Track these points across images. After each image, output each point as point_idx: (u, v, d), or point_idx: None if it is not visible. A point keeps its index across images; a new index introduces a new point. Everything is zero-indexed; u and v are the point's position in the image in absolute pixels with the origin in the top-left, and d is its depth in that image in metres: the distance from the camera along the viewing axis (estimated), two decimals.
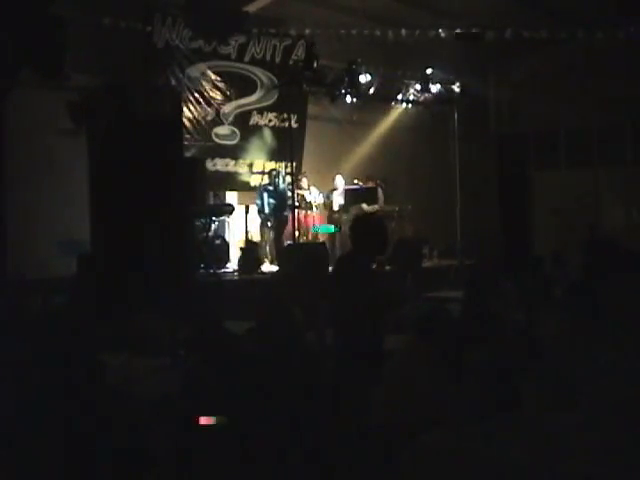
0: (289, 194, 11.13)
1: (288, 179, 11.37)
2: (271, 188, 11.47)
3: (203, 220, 10.35)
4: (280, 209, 11.36)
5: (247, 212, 11.24)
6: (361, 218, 5.70)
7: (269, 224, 11.42)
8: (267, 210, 11.39)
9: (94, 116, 8.09)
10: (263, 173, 12.04)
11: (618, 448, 2.55)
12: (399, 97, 13.06)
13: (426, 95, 12.96)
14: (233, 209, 11.04)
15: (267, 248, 11.40)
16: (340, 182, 12.36)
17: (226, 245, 11.15)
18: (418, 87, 12.88)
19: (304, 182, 12.02)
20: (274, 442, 3.49)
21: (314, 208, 12.04)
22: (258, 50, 11.98)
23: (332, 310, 5.03)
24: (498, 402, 3.32)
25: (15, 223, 8.22)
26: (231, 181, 12.03)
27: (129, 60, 10.22)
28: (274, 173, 11.57)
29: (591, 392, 2.86)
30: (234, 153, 12.02)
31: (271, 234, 11.44)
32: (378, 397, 3.85)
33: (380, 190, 12.56)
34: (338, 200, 12.25)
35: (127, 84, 8.84)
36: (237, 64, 11.87)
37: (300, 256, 10.28)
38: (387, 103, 13.36)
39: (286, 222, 11.29)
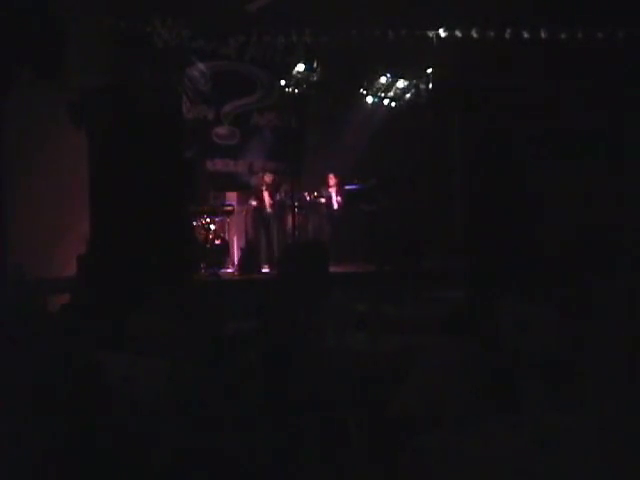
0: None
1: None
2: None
3: (203, 220, 10.37)
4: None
5: (247, 212, 11.24)
6: None
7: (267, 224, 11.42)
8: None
9: (94, 116, 8.10)
10: (263, 173, 12.04)
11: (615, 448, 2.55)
12: (399, 97, 13.06)
13: (426, 95, 12.97)
14: (233, 209, 11.04)
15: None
16: (335, 182, 12.33)
17: (226, 245, 11.16)
18: (417, 87, 12.89)
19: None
20: (274, 442, 3.49)
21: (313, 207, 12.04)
22: (258, 50, 11.98)
23: None
24: (500, 402, 3.33)
25: (15, 223, 8.23)
26: (231, 181, 12.04)
27: (129, 60, 10.22)
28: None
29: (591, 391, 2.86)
30: (234, 153, 12.02)
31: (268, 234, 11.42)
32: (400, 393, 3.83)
33: (380, 189, 12.54)
34: (337, 199, 12.23)
35: (127, 84, 8.84)
36: (237, 64, 11.87)
37: (300, 256, 10.27)
38: (387, 103, 13.35)
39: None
